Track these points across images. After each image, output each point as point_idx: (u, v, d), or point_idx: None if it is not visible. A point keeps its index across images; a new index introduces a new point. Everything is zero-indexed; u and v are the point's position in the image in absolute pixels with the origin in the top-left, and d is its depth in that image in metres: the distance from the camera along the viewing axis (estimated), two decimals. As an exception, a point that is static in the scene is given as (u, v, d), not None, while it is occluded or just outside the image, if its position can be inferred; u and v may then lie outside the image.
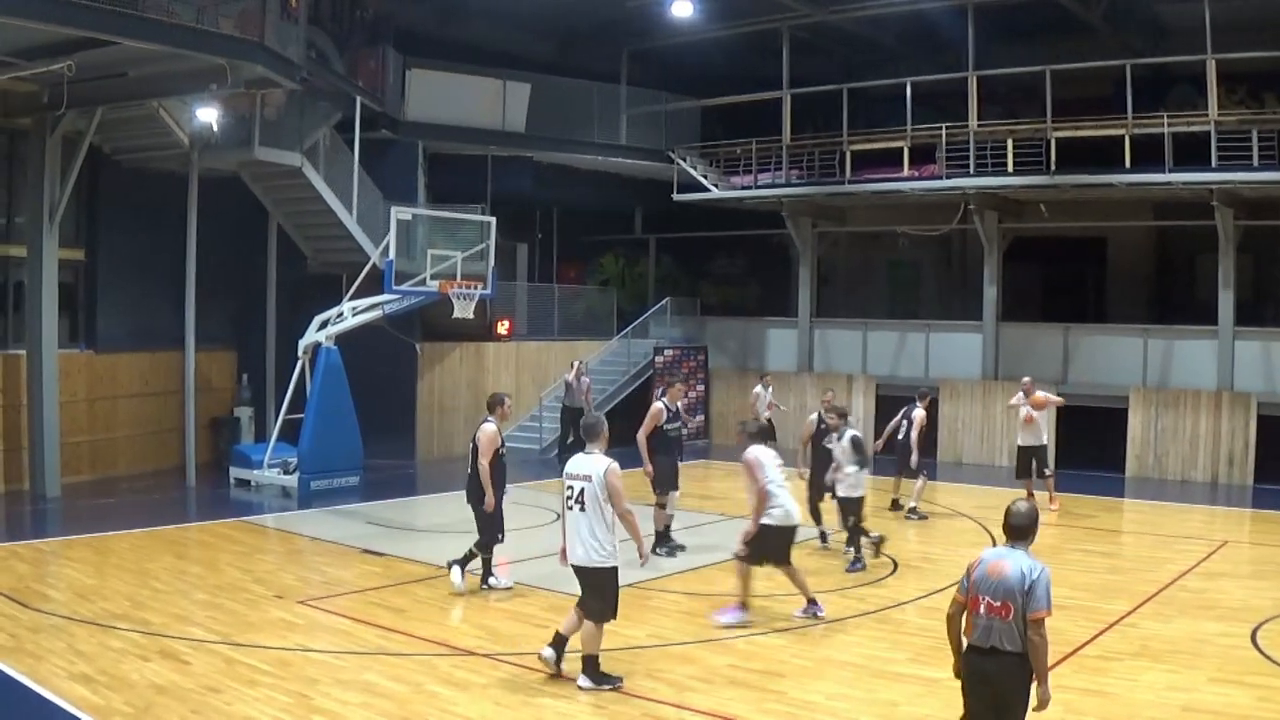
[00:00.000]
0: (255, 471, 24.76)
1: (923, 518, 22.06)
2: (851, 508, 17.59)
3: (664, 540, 18.72)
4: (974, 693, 8.59)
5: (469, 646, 13.24)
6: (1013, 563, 8.37)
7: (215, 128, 25.26)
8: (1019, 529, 8.58)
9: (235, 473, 25.08)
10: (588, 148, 34.24)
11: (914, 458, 22.26)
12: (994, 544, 19.30)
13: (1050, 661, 12.33)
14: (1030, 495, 22.64)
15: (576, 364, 28.85)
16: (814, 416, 19.84)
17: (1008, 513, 8.66)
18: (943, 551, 19.25)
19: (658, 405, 19.37)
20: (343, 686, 11.71)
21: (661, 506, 18.93)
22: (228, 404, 28.69)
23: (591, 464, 12.18)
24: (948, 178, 29.99)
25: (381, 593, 15.94)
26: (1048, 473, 23.16)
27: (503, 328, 32.49)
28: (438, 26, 32.44)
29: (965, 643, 8.60)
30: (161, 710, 10.85)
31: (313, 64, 24.81)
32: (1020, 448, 23.44)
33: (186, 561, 17.56)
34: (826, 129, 32.68)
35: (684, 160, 34.14)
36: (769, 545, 14.39)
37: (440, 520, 21.51)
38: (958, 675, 8.76)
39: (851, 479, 17.53)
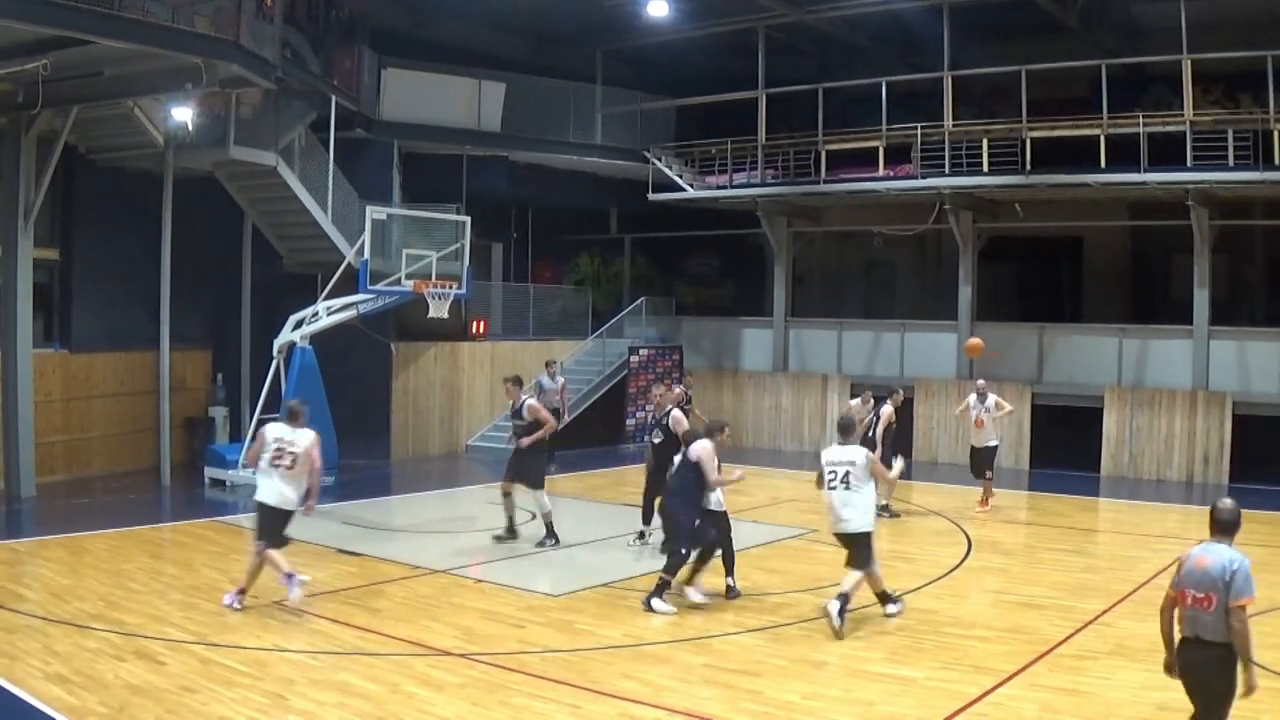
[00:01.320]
0: (230, 471, 24.64)
1: (895, 515, 22.01)
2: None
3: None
4: (1186, 684, 8.90)
5: (445, 646, 13.20)
6: (1215, 556, 8.62)
7: (190, 127, 25.16)
8: (1225, 524, 8.81)
9: (210, 473, 24.98)
10: (563, 147, 34.20)
11: (878, 453, 22.29)
12: (969, 543, 19.56)
13: (1025, 661, 12.44)
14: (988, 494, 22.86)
15: (550, 364, 28.78)
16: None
17: (1215, 509, 8.90)
18: (918, 551, 19.30)
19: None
20: (319, 687, 11.69)
21: None
22: (203, 404, 28.57)
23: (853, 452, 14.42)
24: (923, 177, 30.01)
25: (357, 593, 15.89)
26: (989, 475, 23.16)
27: (478, 328, 32.44)
28: (413, 26, 32.37)
29: (1178, 637, 8.89)
30: (137, 710, 10.80)
31: (288, 63, 24.72)
32: (974, 448, 23.53)
33: (162, 562, 17.51)
34: (802, 129, 32.65)
35: (659, 160, 34.14)
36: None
37: (415, 520, 21.53)
38: (1169, 670, 9.06)
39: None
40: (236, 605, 14.67)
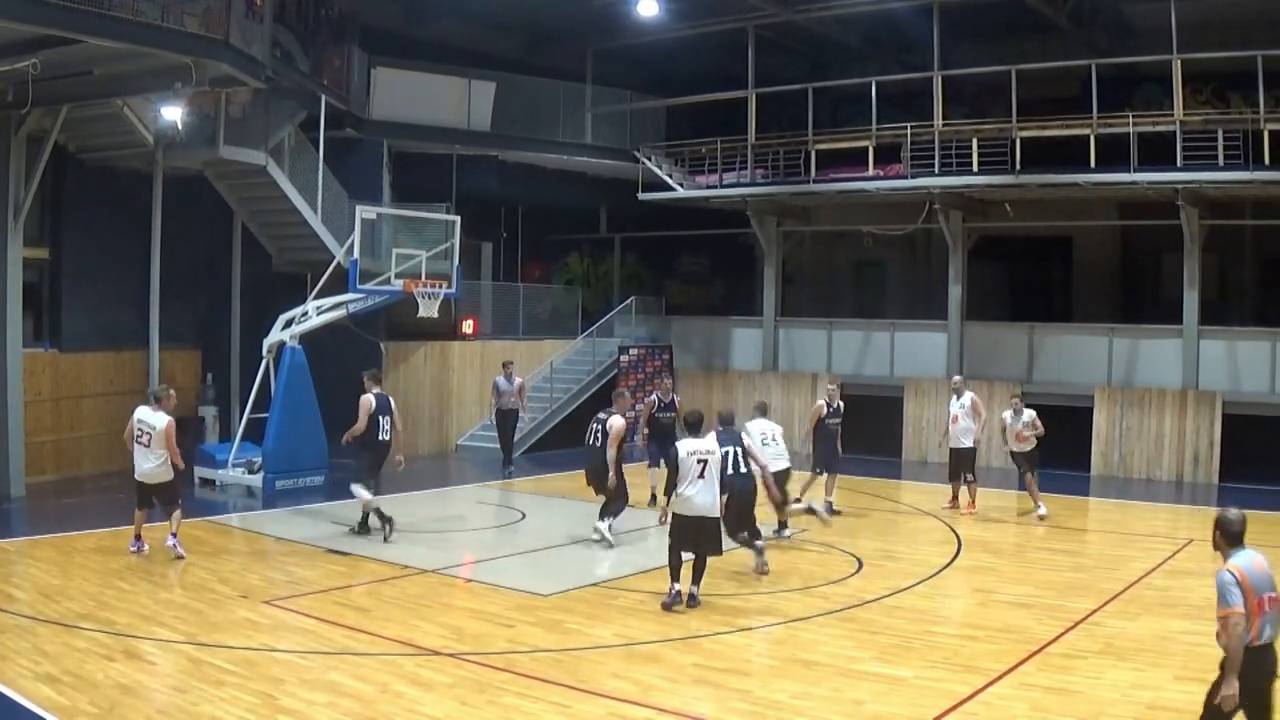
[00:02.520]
0: (220, 471, 24.61)
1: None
2: None
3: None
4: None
5: (434, 646, 13.19)
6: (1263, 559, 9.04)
7: (180, 126, 25.14)
8: (1241, 534, 9.17)
9: (200, 472, 24.87)
10: (553, 147, 34.22)
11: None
12: (959, 542, 19.54)
13: (1015, 660, 12.45)
14: (955, 498, 22.77)
15: (507, 365, 28.56)
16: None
17: (1229, 521, 9.20)
18: (906, 550, 19.29)
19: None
20: (308, 686, 11.67)
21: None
22: (192, 403, 28.50)
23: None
24: (913, 177, 30.01)
25: (347, 592, 15.91)
26: (969, 478, 23.02)
27: (468, 327, 32.43)
28: (403, 25, 32.38)
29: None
30: (127, 710, 10.79)
31: (278, 62, 24.69)
32: (952, 450, 23.24)
33: (151, 561, 17.42)
34: (792, 129, 32.66)
35: (649, 159, 34.12)
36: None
37: (405, 520, 21.45)
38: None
39: None
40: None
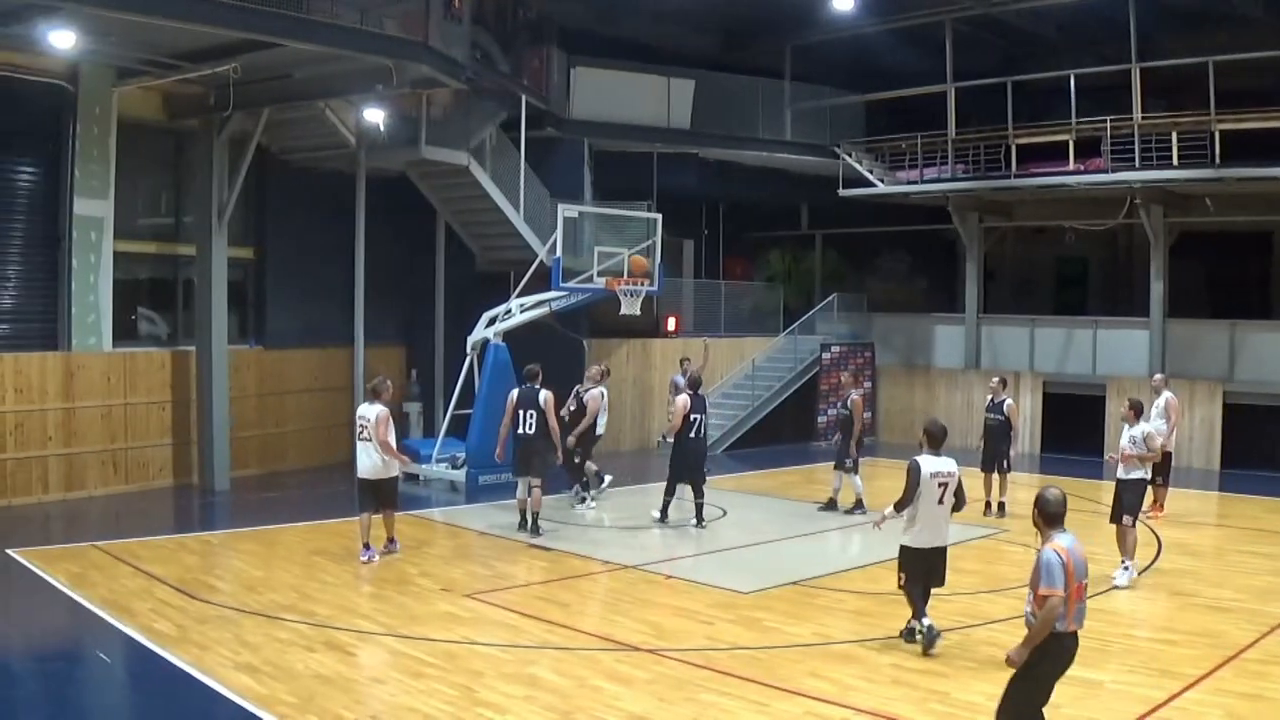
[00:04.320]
0: (424, 466, 24.87)
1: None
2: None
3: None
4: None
5: (633, 642, 13.14)
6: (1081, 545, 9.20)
7: (382, 128, 25.46)
8: (1061, 515, 9.24)
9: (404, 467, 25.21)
10: (753, 143, 34.01)
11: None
12: (1159, 544, 18.97)
13: (1211, 665, 12.05)
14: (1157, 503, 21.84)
15: (684, 361, 28.13)
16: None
17: (1049, 501, 9.24)
18: (1105, 552, 18.65)
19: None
20: (507, 680, 11.68)
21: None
22: (396, 399, 28.90)
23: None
24: (1112, 171, 29.27)
25: (547, 587, 15.95)
26: (1158, 480, 21.09)
27: (670, 324, 32.40)
28: (601, 24, 32.45)
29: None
30: (325, 700, 10.90)
31: (477, 63, 24.93)
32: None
33: (354, 555, 17.66)
34: (990, 122, 32.10)
35: (849, 155, 33.76)
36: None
37: (606, 516, 21.50)
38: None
39: None
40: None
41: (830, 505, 22.19)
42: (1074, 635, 9.07)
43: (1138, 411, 17.28)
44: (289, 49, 20.00)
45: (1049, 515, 9.12)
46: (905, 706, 11.13)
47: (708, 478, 21.01)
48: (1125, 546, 16.42)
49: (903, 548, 13.11)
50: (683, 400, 20.61)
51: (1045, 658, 9.00)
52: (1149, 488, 17.71)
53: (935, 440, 13.23)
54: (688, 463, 20.51)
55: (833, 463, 22.67)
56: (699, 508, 20.44)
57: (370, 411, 17.35)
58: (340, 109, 25.07)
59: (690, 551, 18.82)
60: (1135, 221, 30.70)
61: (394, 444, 17.54)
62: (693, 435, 20.44)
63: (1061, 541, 8.96)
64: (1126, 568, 16.21)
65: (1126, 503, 16.53)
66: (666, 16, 32.91)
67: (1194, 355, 29.58)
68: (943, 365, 34.69)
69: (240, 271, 26.04)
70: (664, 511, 20.65)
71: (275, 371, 26.63)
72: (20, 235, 22.23)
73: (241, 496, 23.44)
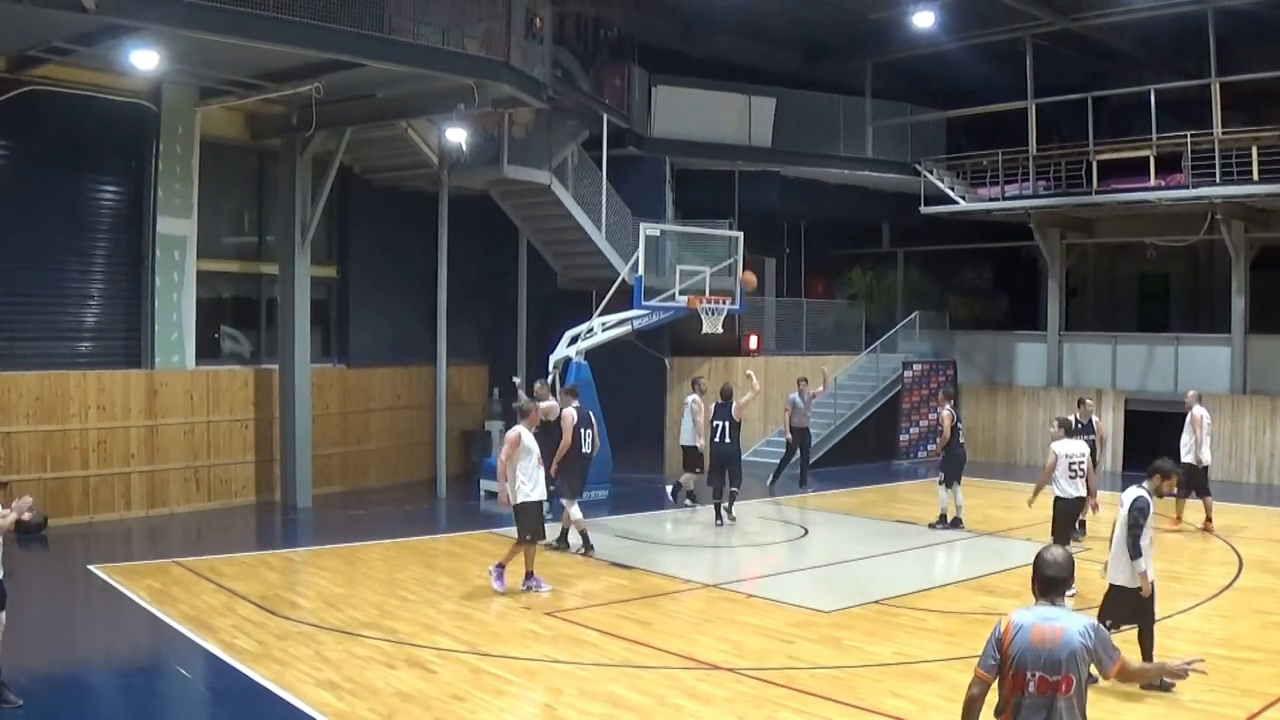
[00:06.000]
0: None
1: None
2: None
3: None
4: None
5: (713, 660, 13.03)
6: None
7: (464, 147, 25.52)
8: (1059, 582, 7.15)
9: (485, 485, 25.15)
10: (834, 161, 33.86)
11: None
12: (1240, 562, 18.69)
13: (1259, 706, 11.82)
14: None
15: (801, 381, 28.19)
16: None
17: (1047, 563, 7.13)
18: (1188, 570, 18.42)
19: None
20: (587, 697, 11.63)
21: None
22: (479, 417, 29.06)
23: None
24: (1193, 186, 28.88)
25: (628, 605, 15.86)
26: (1189, 495, 21.58)
27: (752, 342, 32.30)
28: (681, 42, 32.54)
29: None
30: (405, 717, 10.91)
31: (559, 82, 24.96)
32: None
33: (435, 572, 17.71)
34: (1070, 138, 31.87)
35: (930, 172, 33.59)
36: None
37: (687, 534, 21.45)
38: None
39: None
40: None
41: (941, 522, 22.01)
42: None
43: (1067, 429, 17.54)
44: (371, 69, 20.11)
45: (1043, 580, 7.07)
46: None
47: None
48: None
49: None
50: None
51: None
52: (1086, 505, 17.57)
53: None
54: (716, 463, 22.50)
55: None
56: (730, 496, 22.62)
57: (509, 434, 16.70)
58: (422, 128, 25.17)
59: (771, 570, 18.72)
60: (1216, 237, 30.33)
61: (509, 471, 16.54)
62: (716, 440, 22.44)
63: (1027, 615, 6.97)
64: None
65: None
66: (746, 34, 32.98)
67: (1275, 371, 29.16)
68: (1024, 383, 34.39)
69: (323, 290, 26.24)
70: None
71: (358, 389, 26.79)
72: (104, 254, 22.49)
73: (323, 514, 23.57)
